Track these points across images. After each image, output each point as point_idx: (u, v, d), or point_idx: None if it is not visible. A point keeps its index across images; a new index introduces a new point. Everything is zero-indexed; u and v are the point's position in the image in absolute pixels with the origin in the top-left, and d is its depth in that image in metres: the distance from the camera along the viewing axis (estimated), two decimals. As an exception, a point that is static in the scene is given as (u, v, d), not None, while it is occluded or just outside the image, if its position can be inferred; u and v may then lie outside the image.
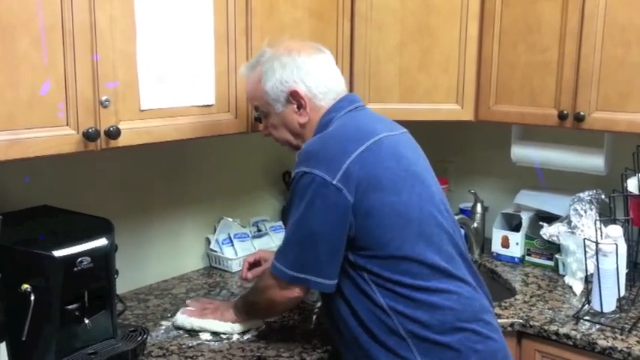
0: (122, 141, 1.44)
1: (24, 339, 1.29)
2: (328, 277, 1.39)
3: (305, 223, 1.37)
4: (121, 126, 1.43)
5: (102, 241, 1.39)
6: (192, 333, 1.64)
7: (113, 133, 1.41)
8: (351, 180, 1.34)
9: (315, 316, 1.77)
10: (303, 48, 1.52)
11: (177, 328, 1.66)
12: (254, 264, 1.76)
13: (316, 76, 1.49)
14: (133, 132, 1.47)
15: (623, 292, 1.79)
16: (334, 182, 1.34)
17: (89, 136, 1.37)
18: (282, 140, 1.57)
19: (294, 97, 1.48)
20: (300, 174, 1.37)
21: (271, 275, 1.45)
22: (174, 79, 1.55)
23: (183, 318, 1.66)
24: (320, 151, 1.39)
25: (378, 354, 1.38)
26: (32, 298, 1.29)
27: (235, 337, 1.62)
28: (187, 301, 1.76)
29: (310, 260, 1.38)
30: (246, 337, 1.63)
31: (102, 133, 1.40)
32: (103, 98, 1.39)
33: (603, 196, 2.06)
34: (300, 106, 1.49)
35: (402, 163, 1.43)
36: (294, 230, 1.39)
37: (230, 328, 1.63)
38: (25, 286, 1.29)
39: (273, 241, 2.22)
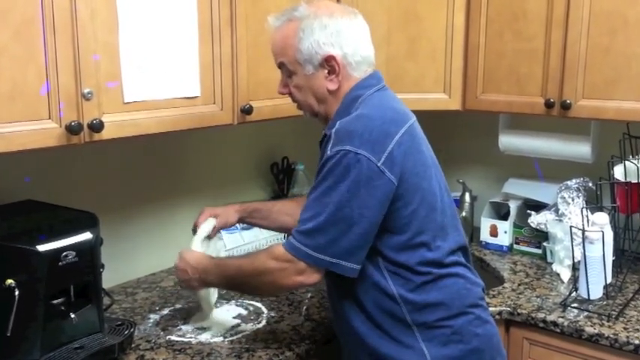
0: (106, 134, 1.42)
1: (9, 334, 1.28)
2: (358, 262, 1.33)
3: (345, 204, 1.29)
4: (104, 119, 1.41)
5: (86, 235, 1.38)
6: (180, 326, 1.63)
7: (96, 127, 1.39)
8: (395, 162, 1.31)
9: (305, 307, 1.77)
10: (344, 12, 1.44)
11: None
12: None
13: (354, 44, 1.41)
14: (116, 125, 1.45)
15: (609, 279, 1.80)
16: (379, 164, 1.29)
17: (72, 130, 1.35)
18: (303, 104, 1.48)
19: (328, 61, 1.40)
20: (343, 152, 1.29)
21: (286, 256, 1.34)
22: (158, 70, 1.54)
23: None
24: (364, 131, 1.31)
25: (380, 342, 1.38)
26: (17, 293, 1.27)
27: (222, 331, 1.62)
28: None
29: (345, 244, 1.30)
30: (234, 329, 1.62)
31: (85, 126, 1.38)
32: (86, 91, 1.37)
33: (590, 184, 2.07)
34: (332, 72, 1.41)
35: (429, 149, 1.43)
36: (332, 211, 1.29)
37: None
38: (10, 282, 1.28)
39: (262, 232, 2.21)
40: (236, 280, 1.47)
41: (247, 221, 1.76)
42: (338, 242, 1.30)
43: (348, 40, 1.41)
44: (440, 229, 1.39)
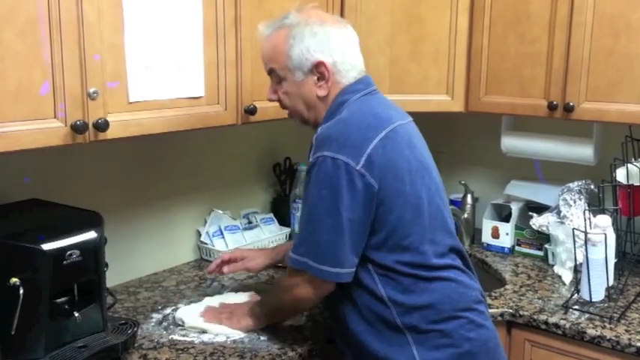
0: (111, 133, 1.43)
1: (13, 333, 1.29)
2: (351, 267, 1.36)
3: (332, 211, 1.31)
4: (109, 118, 1.42)
5: (91, 234, 1.38)
6: (184, 326, 1.63)
7: (101, 126, 1.40)
8: (374, 166, 1.32)
9: (306, 308, 1.77)
10: (334, 20, 1.48)
11: (188, 326, 1.61)
12: (228, 261, 1.75)
13: (343, 52, 1.44)
14: (121, 124, 1.46)
15: (611, 282, 1.81)
16: (358, 168, 1.31)
17: (77, 129, 1.36)
18: (292, 109, 1.50)
19: (318, 67, 1.42)
20: (322, 158, 1.32)
21: (292, 271, 1.40)
22: (162, 70, 1.54)
23: (197, 319, 1.62)
24: (340, 136, 1.34)
25: (372, 344, 1.39)
26: (21, 291, 1.28)
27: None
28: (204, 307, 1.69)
29: (339, 251, 1.34)
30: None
31: (90, 125, 1.39)
32: (91, 90, 1.38)
33: (592, 186, 2.08)
34: (321, 78, 1.43)
35: (414, 152, 1.42)
36: (320, 221, 1.33)
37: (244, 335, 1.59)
38: (14, 280, 1.28)
39: (264, 233, 2.22)
40: (270, 304, 1.58)
41: (282, 264, 1.81)
42: (332, 250, 1.33)
43: (338, 48, 1.43)
44: (427, 232, 1.39)
